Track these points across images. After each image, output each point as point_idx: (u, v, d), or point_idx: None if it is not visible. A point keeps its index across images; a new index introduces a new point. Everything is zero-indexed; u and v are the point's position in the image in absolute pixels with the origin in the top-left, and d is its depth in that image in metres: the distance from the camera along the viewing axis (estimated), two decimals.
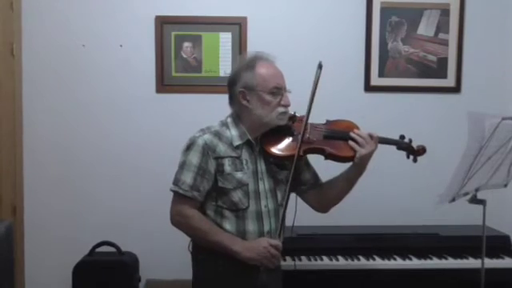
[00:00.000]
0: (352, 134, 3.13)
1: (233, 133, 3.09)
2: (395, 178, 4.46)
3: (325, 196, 3.29)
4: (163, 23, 4.46)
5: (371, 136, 3.14)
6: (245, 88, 3.06)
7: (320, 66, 3.06)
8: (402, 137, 3.33)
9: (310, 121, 3.15)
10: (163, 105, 4.49)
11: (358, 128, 3.21)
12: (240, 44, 4.47)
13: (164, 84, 4.50)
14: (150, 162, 4.48)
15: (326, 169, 3.29)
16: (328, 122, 3.27)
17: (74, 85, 4.47)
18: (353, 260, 3.93)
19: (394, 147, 3.33)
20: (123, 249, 4.34)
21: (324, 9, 4.54)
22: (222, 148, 3.04)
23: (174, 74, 4.50)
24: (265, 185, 3.12)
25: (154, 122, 4.48)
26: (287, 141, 3.14)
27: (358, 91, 4.58)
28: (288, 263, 3.79)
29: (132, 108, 4.50)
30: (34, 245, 4.49)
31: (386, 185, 4.33)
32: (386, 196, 4.30)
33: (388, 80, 4.58)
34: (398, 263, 3.92)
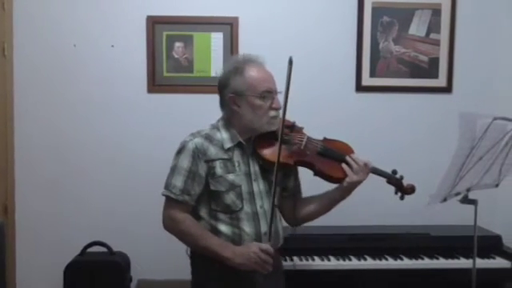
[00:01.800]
0: (348, 158, 3.12)
1: (223, 135, 3.08)
2: None
3: (301, 210, 3.28)
4: (155, 23, 4.45)
5: (366, 165, 3.12)
6: (234, 93, 3.04)
7: (290, 62, 2.95)
8: (394, 172, 3.31)
9: (309, 134, 3.16)
10: (154, 105, 4.49)
11: (353, 152, 3.19)
12: (231, 44, 4.47)
13: (155, 84, 4.49)
14: (142, 162, 4.47)
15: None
16: (325, 139, 3.24)
17: (65, 85, 4.46)
18: (344, 260, 3.93)
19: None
20: (114, 249, 4.34)
21: (315, 9, 4.54)
22: (212, 151, 3.02)
23: (166, 74, 4.49)
24: (259, 186, 3.10)
25: (145, 122, 4.47)
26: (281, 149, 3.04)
27: (350, 91, 4.58)
28: None
29: (123, 108, 4.49)
30: (25, 244, 4.48)
31: (377, 184, 4.34)
32: (377, 196, 4.30)
33: (379, 80, 4.58)
34: (389, 263, 3.92)
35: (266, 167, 3.11)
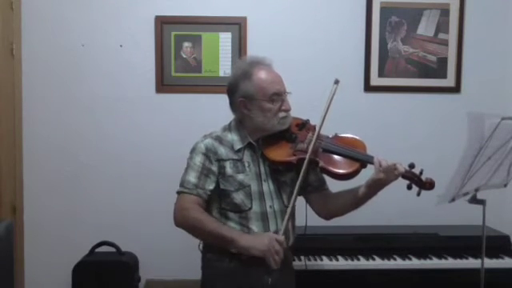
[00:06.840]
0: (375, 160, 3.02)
1: (234, 137, 3.13)
2: None
3: (328, 204, 3.27)
4: (163, 23, 4.46)
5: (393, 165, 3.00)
6: (244, 97, 3.07)
7: (336, 82, 3.06)
8: (411, 165, 3.07)
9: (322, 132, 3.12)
10: (163, 105, 4.49)
11: (365, 148, 3.15)
12: (240, 44, 4.47)
13: (164, 84, 4.49)
14: (150, 161, 4.48)
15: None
16: (335, 136, 3.21)
17: (73, 85, 4.46)
18: (352, 260, 3.93)
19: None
20: (123, 249, 4.35)
21: (324, 9, 4.54)
22: (223, 151, 3.08)
23: (174, 73, 4.50)
24: (269, 186, 3.12)
25: (153, 122, 4.48)
26: (285, 147, 3.12)
27: (358, 91, 4.58)
28: None
29: (132, 108, 4.49)
30: (33, 244, 4.49)
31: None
32: (385, 196, 4.30)
33: (388, 80, 4.58)
34: (397, 263, 3.92)
35: (273, 167, 3.13)
